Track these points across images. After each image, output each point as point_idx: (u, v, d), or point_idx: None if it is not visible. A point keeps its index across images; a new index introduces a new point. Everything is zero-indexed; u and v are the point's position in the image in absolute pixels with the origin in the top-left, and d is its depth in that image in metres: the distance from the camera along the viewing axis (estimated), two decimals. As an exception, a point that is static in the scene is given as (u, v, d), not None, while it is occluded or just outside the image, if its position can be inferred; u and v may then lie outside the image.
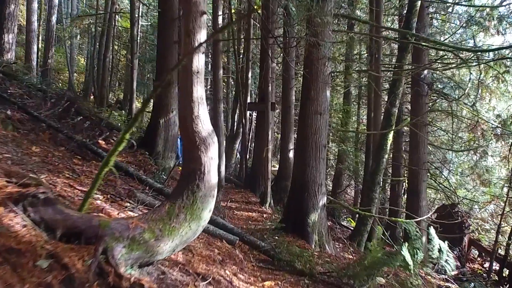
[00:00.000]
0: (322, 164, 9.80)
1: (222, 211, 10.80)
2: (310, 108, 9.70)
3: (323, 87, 9.68)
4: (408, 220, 11.44)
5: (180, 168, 8.47)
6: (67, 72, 28.95)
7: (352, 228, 17.48)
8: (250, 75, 16.44)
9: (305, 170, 9.69)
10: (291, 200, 10.22)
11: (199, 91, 4.61)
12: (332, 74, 10.27)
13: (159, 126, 11.28)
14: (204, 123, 4.65)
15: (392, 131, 12.59)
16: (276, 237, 9.26)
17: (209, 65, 22.72)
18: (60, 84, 29.28)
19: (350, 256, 11.04)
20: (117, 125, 14.41)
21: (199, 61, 4.60)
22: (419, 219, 10.06)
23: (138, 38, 27.88)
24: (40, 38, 29.11)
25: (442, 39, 16.90)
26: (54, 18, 26.52)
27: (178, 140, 19.51)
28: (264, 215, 12.08)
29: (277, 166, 17.56)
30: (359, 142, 20.47)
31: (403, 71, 11.66)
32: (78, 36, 34.68)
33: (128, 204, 7.17)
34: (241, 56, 18.70)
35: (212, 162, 4.71)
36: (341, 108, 19.07)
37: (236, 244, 7.71)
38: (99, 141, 10.55)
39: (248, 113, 16.57)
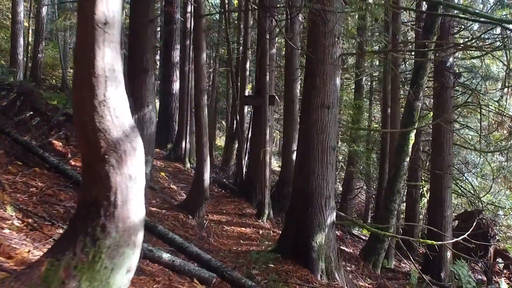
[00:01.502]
0: (331, 170, 7.72)
1: (206, 228, 8.76)
2: (315, 100, 7.61)
3: (331, 73, 7.59)
4: (439, 242, 9.40)
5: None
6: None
7: (364, 238, 15.53)
8: (247, 65, 14.37)
9: (309, 179, 7.60)
10: (291, 217, 8.11)
11: (108, 57, 2.55)
12: (343, 57, 8.18)
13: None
14: (116, 115, 2.60)
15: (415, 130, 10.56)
16: (271, 265, 7.20)
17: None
18: (54, 81, 27.71)
19: (366, 284, 8.99)
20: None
21: (107, 4, 2.53)
22: (451, 241, 8.00)
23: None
24: (31, 31, 27.46)
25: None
26: (44, 10, 24.78)
27: None
28: (261, 231, 10.00)
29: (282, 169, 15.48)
30: (372, 141, 18.38)
31: (430, 51, 9.59)
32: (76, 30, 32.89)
33: (61, 231, 5.13)
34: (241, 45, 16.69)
35: (131, 184, 2.65)
36: (352, 103, 16.92)
37: (213, 284, 5.65)
38: (54, 141, 8.52)
39: (246, 109, 14.46)
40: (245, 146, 13.89)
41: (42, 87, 22.79)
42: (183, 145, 15.49)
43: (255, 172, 11.52)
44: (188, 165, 15.52)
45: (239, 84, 14.87)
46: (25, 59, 24.25)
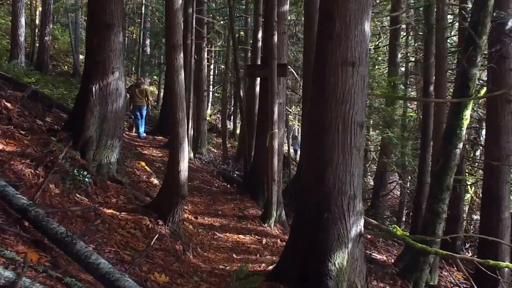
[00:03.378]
0: (357, 158, 5.25)
1: (184, 237, 6.38)
2: (334, 55, 5.15)
3: (358, 14, 5.11)
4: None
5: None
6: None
7: (400, 242, 13.10)
8: (260, 35, 11.93)
9: (324, 171, 5.15)
10: (298, 227, 5.65)
11: None
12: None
13: (91, 97, 6.93)
14: None
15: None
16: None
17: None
18: (66, 67, 25.97)
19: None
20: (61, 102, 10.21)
21: None
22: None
23: (143, 8, 24.02)
24: (38, 12, 25.67)
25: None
26: (51, -12, 22.77)
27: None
28: (264, 240, 7.55)
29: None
30: (409, 128, 15.76)
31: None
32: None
33: None
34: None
35: None
36: (384, 80, 14.28)
37: None
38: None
39: (258, 84, 11.86)
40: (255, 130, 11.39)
41: (49, 73, 20.86)
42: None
43: (261, 161, 9.07)
44: (191, 155, 13.21)
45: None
46: (36, 42, 22.41)
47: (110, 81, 7.02)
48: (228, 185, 11.27)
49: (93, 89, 6.94)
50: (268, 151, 8.13)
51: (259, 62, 11.86)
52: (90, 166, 6.79)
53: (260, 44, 11.92)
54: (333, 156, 5.14)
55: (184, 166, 6.05)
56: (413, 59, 20.38)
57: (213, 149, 20.54)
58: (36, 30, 23.74)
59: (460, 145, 7.91)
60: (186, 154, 6.06)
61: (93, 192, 6.23)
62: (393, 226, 14.88)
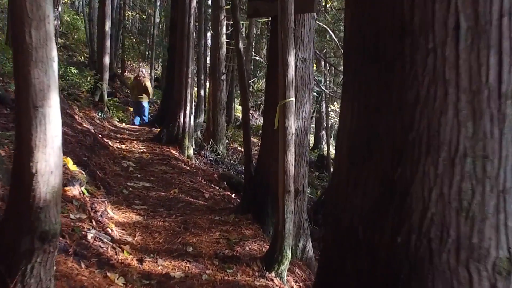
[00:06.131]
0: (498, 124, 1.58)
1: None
2: None
3: None
4: None
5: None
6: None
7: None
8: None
9: (399, 180, 1.51)
10: None
11: None
12: None
13: None
14: None
15: None
16: None
17: None
18: (82, 58, 24.18)
19: None
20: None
21: None
22: None
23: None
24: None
25: None
26: (60, -35, 20.20)
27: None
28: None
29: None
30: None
31: None
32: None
33: None
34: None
35: None
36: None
37: None
38: None
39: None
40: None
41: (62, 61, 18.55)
42: (181, 120, 9.79)
43: (267, 158, 5.41)
44: (190, 151, 9.77)
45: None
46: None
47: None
48: (234, 194, 7.63)
49: None
50: (279, 137, 4.44)
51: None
52: None
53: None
54: (430, 129, 1.48)
55: (47, 161, 2.44)
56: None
57: (239, 148, 17.56)
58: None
59: None
60: (53, 134, 2.45)
61: None
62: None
